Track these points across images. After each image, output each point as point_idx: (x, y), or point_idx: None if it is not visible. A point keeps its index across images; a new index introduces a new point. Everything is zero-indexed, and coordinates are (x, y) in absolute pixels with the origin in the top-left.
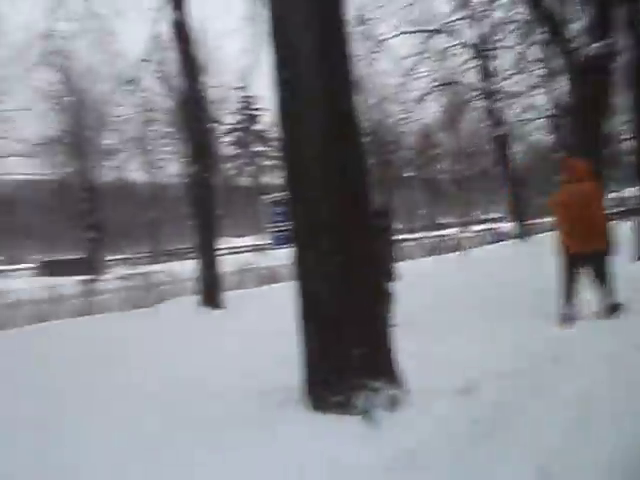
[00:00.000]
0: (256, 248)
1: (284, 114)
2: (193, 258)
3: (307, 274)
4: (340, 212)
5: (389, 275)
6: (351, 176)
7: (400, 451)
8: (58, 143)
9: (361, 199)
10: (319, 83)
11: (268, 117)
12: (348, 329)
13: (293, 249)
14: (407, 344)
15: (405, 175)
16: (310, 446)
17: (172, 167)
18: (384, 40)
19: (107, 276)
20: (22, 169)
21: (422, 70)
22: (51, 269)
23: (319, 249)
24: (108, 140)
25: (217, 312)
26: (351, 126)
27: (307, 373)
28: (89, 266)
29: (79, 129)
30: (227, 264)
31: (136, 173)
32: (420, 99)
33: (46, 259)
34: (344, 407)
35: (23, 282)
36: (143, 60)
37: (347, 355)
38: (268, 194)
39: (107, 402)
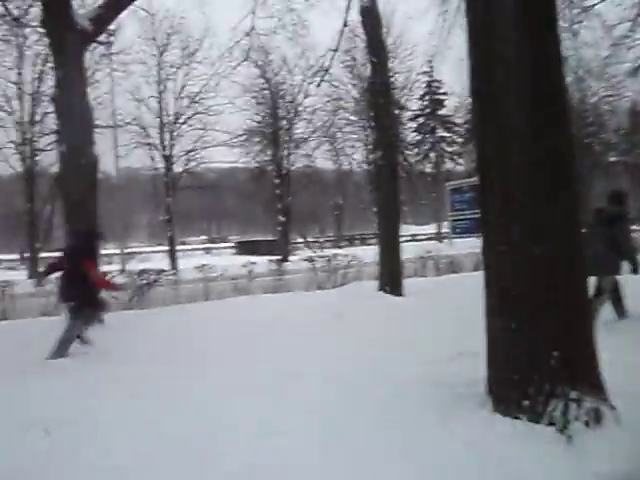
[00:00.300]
0: (437, 236)
1: (478, 94)
2: (375, 244)
3: (497, 266)
4: (538, 200)
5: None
6: (554, 161)
7: (608, 476)
8: (256, 133)
9: (564, 186)
10: (518, 59)
11: (453, 102)
12: (542, 327)
13: (481, 238)
14: (617, 350)
15: (608, 160)
16: (495, 453)
17: (357, 154)
18: (591, 6)
19: (294, 257)
20: (226, 158)
21: (638, 37)
22: (246, 248)
23: (511, 239)
24: (299, 129)
25: (396, 298)
26: (556, 105)
27: (491, 370)
28: (278, 247)
29: (274, 120)
30: (407, 251)
31: (323, 160)
32: (633, 72)
33: (242, 239)
34: (533, 414)
35: (222, 259)
36: (332, 50)
37: (540, 356)
38: (451, 181)
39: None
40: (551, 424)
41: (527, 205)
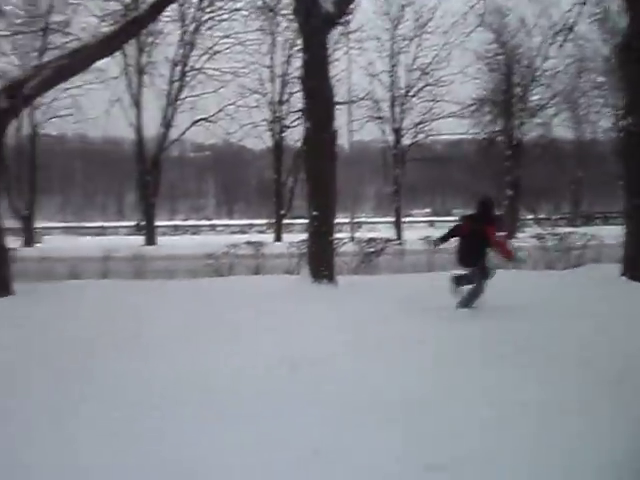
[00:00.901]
0: None
1: None
2: (620, 223)
3: None
4: None
5: None
6: None
7: None
8: (486, 103)
9: None
10: None
11: None
12: None
13: None
14: None
15: None
16: None
17: (604, 121)
18: None
19: (522, 234)
20: (454, 129)
21: None
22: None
23: None
24: (536, 96)
25: None
26: None
27: None
28: (505, 223)
29: (508, 87)
30: None
31: (561, 129)
32: None
33: (465, 213)
34: None
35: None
36: (579, 3)
37: None
38: None
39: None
40: None
41: None
